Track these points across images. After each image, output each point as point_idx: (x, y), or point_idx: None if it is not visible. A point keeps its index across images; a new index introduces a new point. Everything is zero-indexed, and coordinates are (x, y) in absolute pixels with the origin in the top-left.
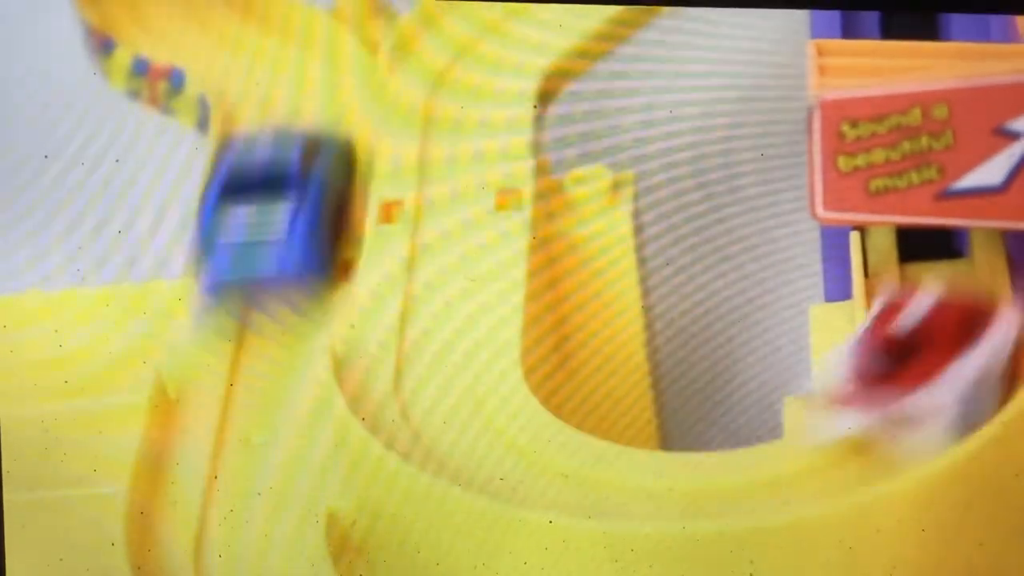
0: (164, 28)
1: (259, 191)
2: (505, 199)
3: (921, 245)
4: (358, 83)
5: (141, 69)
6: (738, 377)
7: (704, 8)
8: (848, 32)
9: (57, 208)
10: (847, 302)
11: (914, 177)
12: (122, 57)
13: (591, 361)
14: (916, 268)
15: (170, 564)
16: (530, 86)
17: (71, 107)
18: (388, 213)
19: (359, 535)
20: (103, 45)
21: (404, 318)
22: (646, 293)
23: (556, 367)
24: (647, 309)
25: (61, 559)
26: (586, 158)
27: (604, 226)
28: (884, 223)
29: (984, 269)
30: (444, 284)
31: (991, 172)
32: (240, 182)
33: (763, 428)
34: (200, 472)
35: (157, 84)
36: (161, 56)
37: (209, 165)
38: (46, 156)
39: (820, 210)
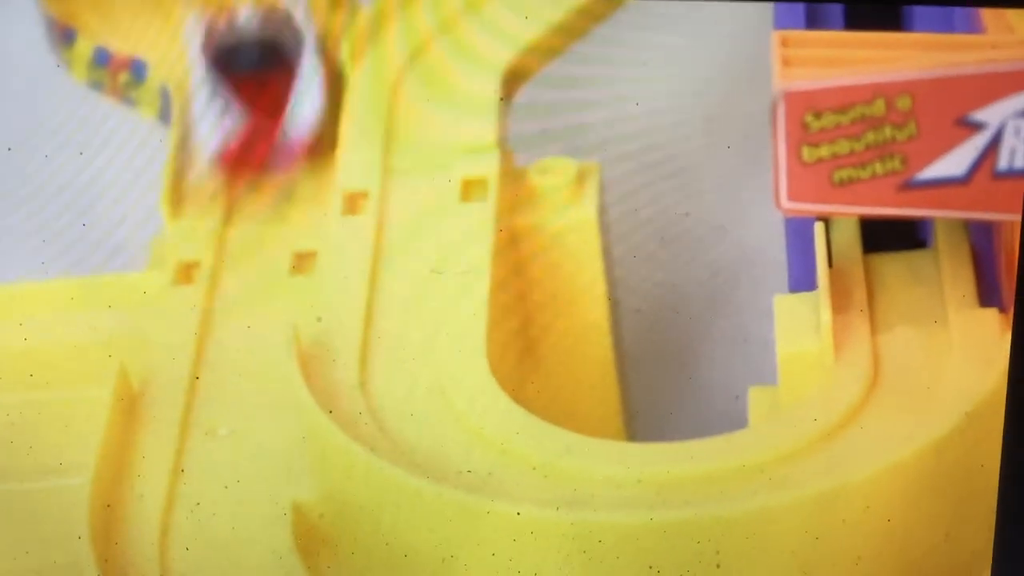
0: (126, 19)
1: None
2: (470, 190)
3: (886, 235)
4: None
5: (103, 60)
6: (704, 367)
7: (668, 0)
8: (812, 23)
9: (21, 201)
10: (812, 292)
11: (878, 168)
12: (83, 48)
13: (557, 352)
14: (881, 258)
15: (137, 557)
16: (495, 76)
17: (34, 99)
18: (353, 204)
19: (327, 527)
20: (65, 36)
21: (369, 310)
22: (612, 283)
23: (522, 358)
24: (613, 299)
25: (27, 552)
26: (551, 148)
27: (570, 216)
28: (848, 214)
29: (948, 260)
30: (409, 276)
31: (954, 163)
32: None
33: (729, 418)
34: (166, 465)
35: (119, 75)
36: (123, 47)
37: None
38: (9, 149)
39: (784, 201)
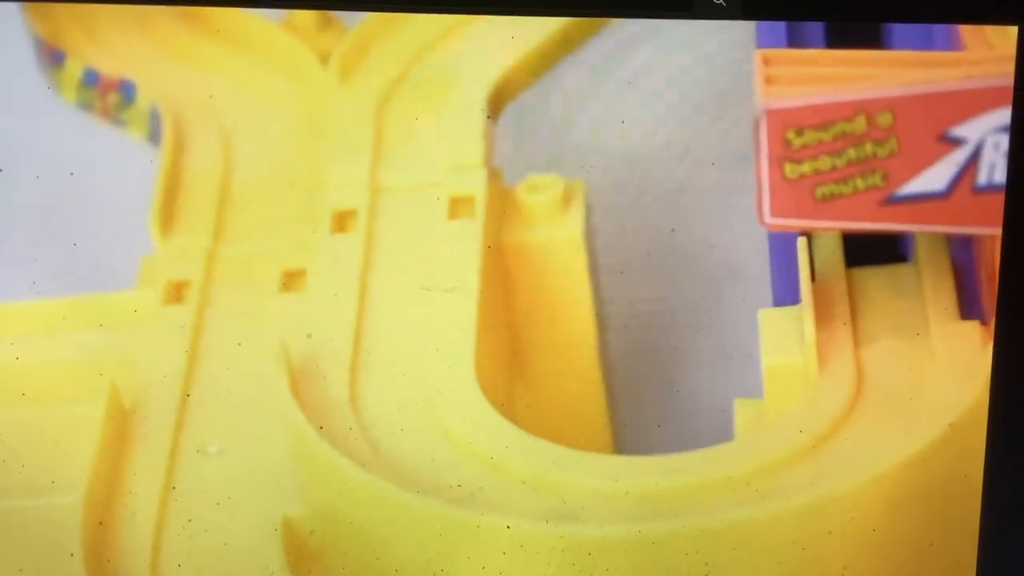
0: (115, 40)
1: None
2: (458, 207)
3: (867, 250)
4: (309, 94)
5: (92, 81)
6: (690, 380)
7: (652, 19)
8: (793, 41)
9: (12, 221)
10: (795, 306)
11: (859, 183)
12: (73, 69)
13: (545, 366)
14: (862, 273)
15: (129, 574)
16: (481, 95)
17: (24, 120)
18: (342, 222)
19: (317, 543)
20: (53, 57)
21: (358, 327)
22: (599, 299)
23: (511, 373)
24: (600, 315)
25: (20, 570)
26: (538, 166)
27: (557, 233)
28: (830, 229)
29: (929, 274)
30: (398, 293)
31: (935, 178)
32: None
33: (715, 430)
34: (157, 482)
35: (108, 96)
36: (112, 68)
37: None
38: (0, 170)
39: (768, 216)
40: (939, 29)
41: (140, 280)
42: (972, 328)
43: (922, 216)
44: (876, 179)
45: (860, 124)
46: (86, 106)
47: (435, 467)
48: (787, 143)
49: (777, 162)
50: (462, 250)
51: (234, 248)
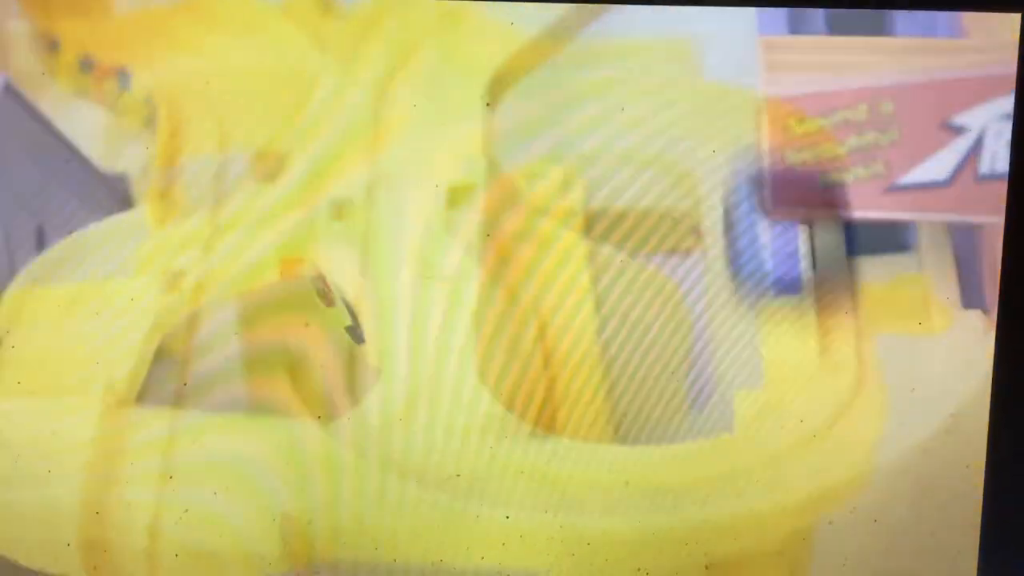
0: (110, 27)
1: None
2: (457, 195)
3: (869, 239)
4: (308, 81)
5: (88, 68)
6: (691, 372)
7: (653, 6)
8: (795, 29)
9: (9, 209)
10: (797, 296)
11: (861, 172)
12: (68, 56)
13: (545, 356)
14: (864, 262)
15: (126, 564)
16: (481, 83)
17: (21, 108)
18: (340, 210)
19: (315, 533)
20: (50, 44)
21: (357, 316)
22: (599, 288)
23: (510, 363)
24: (600, 305)
25: (17, 560)
26: (537, 154)
27: (556, 221)
28: (832, 217)
29: (931, 263)
30: (397, 281)
31: (937, 166)
32: None
33: (715, 422)
34: (154, 472)
35: (104, 83)
36: (108, 55)
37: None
38: None
39: (769, 205)
40: (941, 17)
41: (137, 268)
42: (974, 317)
43: (924, 205)
44: (878, 167)
45: (862, 112)
46: (82, 93)
47: (434, 458)
48: (789, 131)
49: (779, 150)
50: (461, 238)
51: (232, 236)
